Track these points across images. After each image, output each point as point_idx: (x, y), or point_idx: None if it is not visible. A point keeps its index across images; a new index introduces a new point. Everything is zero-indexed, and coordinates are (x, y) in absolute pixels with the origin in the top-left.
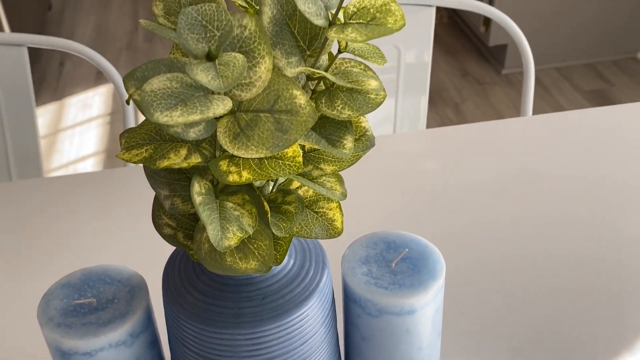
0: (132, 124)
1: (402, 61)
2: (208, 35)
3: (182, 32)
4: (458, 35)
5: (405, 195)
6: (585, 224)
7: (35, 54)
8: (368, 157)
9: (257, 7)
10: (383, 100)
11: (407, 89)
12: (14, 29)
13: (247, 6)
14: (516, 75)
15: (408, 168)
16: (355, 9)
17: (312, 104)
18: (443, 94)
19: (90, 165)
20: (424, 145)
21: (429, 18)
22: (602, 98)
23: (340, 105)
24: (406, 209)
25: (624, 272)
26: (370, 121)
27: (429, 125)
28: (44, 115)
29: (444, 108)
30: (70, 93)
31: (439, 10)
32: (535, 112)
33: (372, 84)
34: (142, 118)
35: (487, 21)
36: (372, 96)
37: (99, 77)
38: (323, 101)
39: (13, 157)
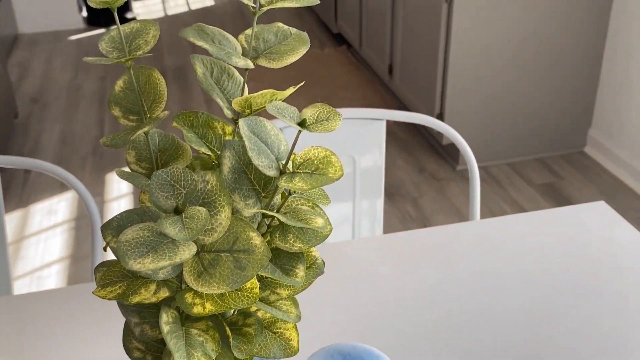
0: (98, 230)
1: (357, 168)
2: (176, 192)
3: (153, 191)
4: (414, 133)
5: (360, 303)
6: (542, 333)
7: None
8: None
9: (219, 152)
10: (329, 234)
11: (363, 193)
12: None
13: (210, 153)
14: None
15: (362, 274)
16: (302, 160)
17: (266, 243)
18: (401, 189)
19: (55, 271)
20: (378, 251)
21: (380, 129)
22: (552, 191)
23: (292, 239)
24: (361, 317)
25: None
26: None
27: (389, 220)
28: (9, 222)
29: (404, 203)
30: (35, 200)
31: None
32: (490, 206)
33: (319, 221)
34: None
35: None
36: (320, 230)
37: (64, 184)
38: (277, 235)
39: None
